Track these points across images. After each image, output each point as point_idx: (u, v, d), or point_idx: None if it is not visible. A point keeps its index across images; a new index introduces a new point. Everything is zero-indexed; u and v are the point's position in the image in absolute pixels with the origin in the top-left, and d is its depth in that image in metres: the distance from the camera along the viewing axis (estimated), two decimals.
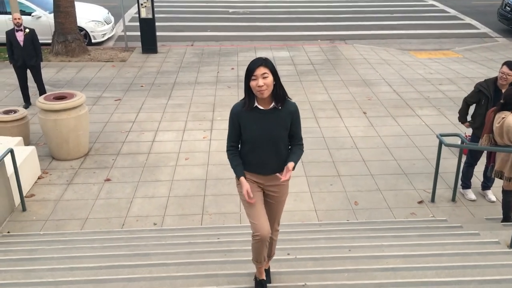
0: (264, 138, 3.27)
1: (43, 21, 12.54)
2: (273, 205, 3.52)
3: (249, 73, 3.15)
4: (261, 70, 3.10)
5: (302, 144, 3.45)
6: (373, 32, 14.54)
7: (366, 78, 10.33)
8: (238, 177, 3.38)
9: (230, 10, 17.11)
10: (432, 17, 16.21)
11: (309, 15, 16.47)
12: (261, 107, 3.26)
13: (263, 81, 3.09)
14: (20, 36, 8.05)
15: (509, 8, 13.97)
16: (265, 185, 3.44)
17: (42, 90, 8.58)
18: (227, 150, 3.42)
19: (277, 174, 3.30)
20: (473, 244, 4.19)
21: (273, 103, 3.25)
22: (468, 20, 15.90)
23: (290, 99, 3.35)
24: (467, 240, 4.32)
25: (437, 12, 17.00)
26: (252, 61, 3.18)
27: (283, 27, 15.02)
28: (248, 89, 3.22)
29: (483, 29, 14.89)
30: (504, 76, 5.33)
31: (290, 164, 3.25)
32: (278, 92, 3.23)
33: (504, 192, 4.99)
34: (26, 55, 8.18)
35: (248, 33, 14.27)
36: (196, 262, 3.94)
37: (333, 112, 8.56)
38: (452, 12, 16.97)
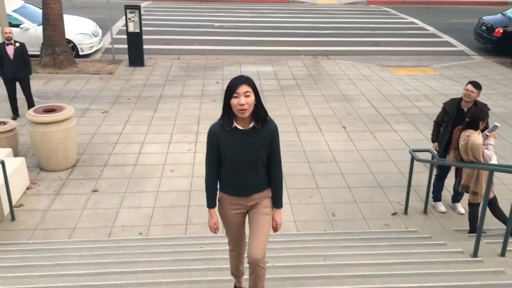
0: (243, 158, 3.18)
1: (31, 33, 12.70)
2: (257, 218, 3.36)
3: (231, 91, 3.03)
4: (243, 88, 3.01)
5: (281, 168, 3.35)
6: (355, 48, 14.99)
7: (347, 93, 10.71)
8: (208, 207, 3.40)
9: (216, 25, 17.46)
10: (412, 35, 16.75)
11: (293, 31, 16.89)
12: (240, 127, 3.15)
13: (245, 100, 3.00)
14: (10, 50, 8.25)
15: (484, 27, 14.55)
16: (247, 206, 3.38)
17: (30, 102, 8.77)
18: (205, 175, 3.35)
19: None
20: (439, 253, 4.51)
21: (252, 123, 3.15)
22: (446, 38, 16.48)
23: (271, 119, 3.26)
24: (434, 250, 4.64)
25: (416, 30, 17.56)
26: (234, 78, 3.08)
27: (268, 42, 15.40)
28: (227, 108, 3.10)
29: (460, 46, 15.46)
30: (468, 93, 5.71)
31: (278, 213, 3.38)
32: (259, 111, 3.13)
33: (470, 205, 5.34)
34: (16, 68, 8.38)
35: (233, 48, 14.61)
36: (181, 269, 4.18)
37: (313, 126, 8.89)
38: (431, 29, 17.56)
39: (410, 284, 3.70)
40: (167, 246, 5.03)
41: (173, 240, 5.36)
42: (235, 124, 3.16)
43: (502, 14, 15.09)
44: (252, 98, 3.05)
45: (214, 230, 3.47)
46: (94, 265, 4.41)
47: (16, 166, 6.41)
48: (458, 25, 18.28)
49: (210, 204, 3.41)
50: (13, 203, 6.10)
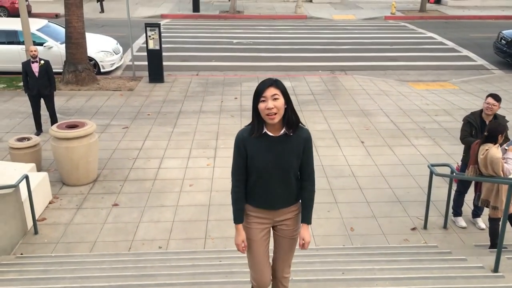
0: (273, 168, 2.95)
1: (54, 51, 13.05)
2: (285, 242, 3.23)
3: (258, 94, 2.85)
4: (271, 91, 2.81)
5: (313, 180, 3.15)
6: (373, 63, 15.01)
7: (365, 108, 10.71)
8: (235, 223, 3.12)
9: (235, 41, 17.68)
10: (431, 49, 16.71)
11: (310, 46, 17.01)
12: (271, 134, 2.94)
13: (273, 103, 2.79)
14: (35, 67, 8.51)
15: (504, 42, 14.45)
16: (274, 221, 3.17)
17: (54, 118, 9.00)
18: (232, 187, 3.11)
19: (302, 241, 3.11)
20: (459, 268, 4.47)
21: (284, 129, 2.94)
22: (465, 52, 16.39)
23: (303, 125, 3.08)
24: (454, 265, 4.60)
25: (435, 44, 17.51)
26: (262, 81, 2.89)
27: (285, 57, 15.53)
28: (256, 113, 2.91)
29: (480, 61, 15.35)
30: (490, 107, 5.70)
31: (304, 229, 3.12)
32: (290, 116, 2.92)
33: (491, 220, 5.28)
34: (40, 85, 8.64)
35: (251, 64, 14.77)
36: (200, 282, 4.22)
37: (332, 141, 8.90)
38: (450, 44, 17.49)
39: None
40: (186, 260, 5.07)
41: (192, 254, 5.40)
42: (265, 130, 2.95)
43: None
44: (281, 101, 2.84)
45: (242, 249, 3.15)
46: (115, 278, 4.48)
47: (40, 181, 6.56)
48: (477, 39, 18.17)
49: (238, 219, 3.12)
50: (36, 217, 6.24)
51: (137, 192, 7.11)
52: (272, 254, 3.40)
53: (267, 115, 2.83)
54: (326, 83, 12.62)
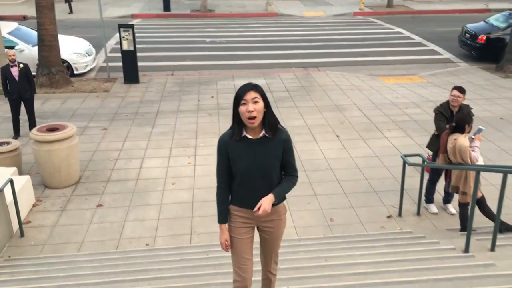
0: (255, 169, 3.08)
1: (26, 54, 12.91)
2: (268, 241, 3.34)
3: (238, 98, 2.96)
4: (251, 95, 2.94)
5: (296, 176, 3.28)
6: (344, 59, 15.38)
7: (339, 103, 11.04)
8: (219, 223, 3.25)
9: (208, 40, 17.80)
10: (399, 44, 17.20)
11: (282, 44, 17.27)
12: (250, 137, 3.07)
13: (254, 106, 2.92)
14: (15, 71, 8.52)
15: (468, 35, 15.02)
16: (258, 221, 3.26)
17: (32, 122, 9.01)
18: (216, 188, 3.26)
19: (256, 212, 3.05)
20: (432, 251, 4.79)
21: (263, 132, 3.07)
22: (432, 46, 16.93)
23: (283, 127, 3.19)
24: (428, 248, 4.92)
25: (403, 39, 18.03)
26: (242, 86, 3.02)
27: (259, 55, 15.75)
28: (236, 117, 3.04)
29: (446, 54, 15.91)
30: (455, 98, 6.06)
31: (267, 196, 3.05)
32: (270, 119, 3.05)
33: (460, 205, 5.64)
34: (21, 89, 8.65)
35: (225, 62, 14.93)
36: (190, 275, 4.42)
37: (308, 136, 9.18)
38: (417, 39, 18.03)
39: (406, 278, 3.96)
40: (175, 255, 5.25)
41: (179, 249, 5.58)
42: (244, 133, 3.07)
43: (485, 21, 15.59)
44: (261, 104, 2.97)
45: (226, 247, 3.30)
46: (107, 275, 4.62)
47: (23, 184, 6.61)
48: (443, 33, 18.78)
49: (222, 219, 3.26)
50: (21, 220, 6.30)
51: (120, 192, 7.23)
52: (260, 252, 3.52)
53: (248, 118, 2.95)
54: (300, 79, 12.91)
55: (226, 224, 3.31)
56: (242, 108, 2.96)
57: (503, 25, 14.64)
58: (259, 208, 3.03)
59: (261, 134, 3.08)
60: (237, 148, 3.09)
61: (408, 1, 27.17)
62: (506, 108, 10.59)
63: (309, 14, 23.91)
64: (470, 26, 15.33)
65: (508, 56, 13.46)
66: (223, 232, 3.28)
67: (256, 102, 2.95)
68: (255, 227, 3.36)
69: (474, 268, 4.18)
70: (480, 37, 14.44)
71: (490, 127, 9.39)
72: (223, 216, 3.28)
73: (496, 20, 15.29)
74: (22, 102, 8.89)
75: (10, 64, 8.51)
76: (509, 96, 11.43)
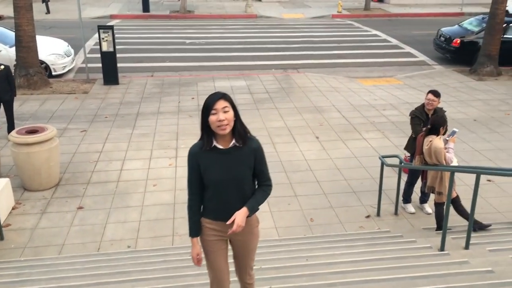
0: (226, 180, 3.03)
1: (3, 55, 12.74)
2: (241, 254, 3.30)
3: (208, 108, 2.92)
4: (221, 104, 2.90)
5: (270, 185, 3.22)
6: (323, 61, 15.58)
7: (318, 105, 11.19)
8: (190, 236, 3.18)
9: (187, 41, 17.81)
10: (376, 47, 17.49)
11: (262, 45, 17.40)
12: (221, 146, 3.03)
13: (224, 115, 2.89)
14: None
15: (443, 38, 15.38)
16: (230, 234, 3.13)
17: (11, 124, 8.90)
18: (188, 201, 3.19)
19: (230, 230, 2.99)
20: (409, 249, 4.95)
21: (233, 141, 3.03)
22: (408, 49, 17.28)
23: (252, 136, 3.15)
24: (405, 246, 5.08)
25: (380, 42, 18.34)
26: (210, 95, 2.97)
27: (239, 57, 15.84)
28: (206, 127, 2.99)
29: (422, 57, 16.25)
30: (430, 102, 6.26)
31: (241, 211, 2.98)
32: (239, 128, 3.01)
33: (436, 204, 5.82)
34: (2, 90, 8.54)
35: (205, 63, 14.98)
36: (173, 275, 4.47)
37: (288, 137, 9.30)
38: (394, 41, 18.37)
39: (385, 276, 4.09)
40: (157, 256, 5.29)
41: (161, 250, 5.62)
42: (214, 143, 3.03)
43: (459, 25, 15.98)
44: (231, 113, 2.94)
45: (198, 262, 3.25)
46: (90, 277, 4.64)
47: (2, 187, 6.55)
48: (418, 36, 19.16)
49: (193, 232, 3.20)
50: (1, 223, 6.24)
51: (101, 195, 7.22)
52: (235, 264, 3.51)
53: (218, 126, 2.91)
54: (280, 81, 13.03)
55: (198, 237, 3.25)
56: (212, 118, 2.91)
57: (476, 29, 15.03)
58: (232, 222, 2.98)
59: (231, 144, 3.05)
60: (208, 159, 3.04)
61: (385, 4, 27.62)
62: (479, 110, 10.90)
63: (288, 16, 24.10)
64: (445, 29, 15.70)
65: (481, 59, 13.84)
66: (195, 246, 3.22)
67: (226, 111, 2.91)
68: (228, 239, 3.33)
69: (449, 266, 4.34)
70: (454, 40, 14.80)
71: (464, 128, 9.66)
72: (195, 229, 3.21)
73: (469, 24, 15.69)
74: (1, 104, 8.77)
75: None
76: (482, 98, 11.76)
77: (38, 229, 6.35)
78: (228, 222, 3.01)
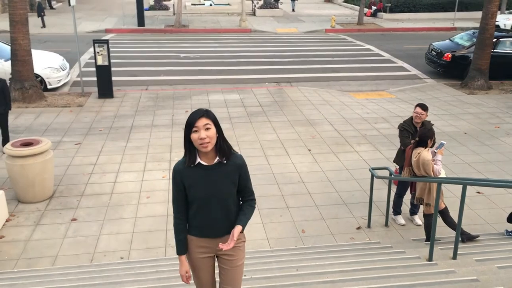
0: (211, 196, 3.04)
1: None
2: (228, 272, 3.23)
3: (190, 126, 2.93)
4: (202, 121, 2.90)
5: (254, 199, 3.23)
6: (316, 74, 15.77)
7: (310, 118, 11.33)
8: (178, 254, 3.17)
9: (182, 55, 17.98)
10: (369, 61, 17.73)
11: (256, 59, 17.59)
12: (205, 163, 3.03)
13: (206, 133, 2.89)
14: None
15: (434, 53, 15.62)
16: (216, 250, 3.18)
17: (6, 137, 8.97)
18: (174, 219, 3.20)
19: (220, 244, 3.01)
20: (398, 259, 5.03)
21: (217, 158, 3.04)
22: (400, 63, 17.52)
23: (236, 152, 3.17)
24: (394, 257, 5.16)
25: (373, 56, 18.59)
26: (192, 112, 2.98)
27: (232, 70, 16.01)
28: (189, 144, 2.99)
29: (413, 71, 16.49)
30: (418, 115, 6.40)
31: (237, 229, 3.02)
32: (222, 145, 3.02)
33: (425, 215, 5.92)
34: None
35: (199, 77, 15.13)
36: (166, 286, 4.52)
37: (281, 150, 9.41)
38: (386, 55, 18.62)
39: (373, 285, 4.17)
40: (150, 267, 5.34)
41: (154, 262, 5.67)
42: (198, 160, 3.04)
43: (450, 40, 16.25)
44: (213, 130, 2.94)
45: (186, 279, 3.22)
46: (83, 287, 4.69)
47: None
48: (410, 50, 19.44)
49: (180, 250, 3.18)
50: None
51: (94, 207, 7.27)
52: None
53: (200, 144, 2.92)
54: (273, 94, 13.18)
55: (185, 255, 3.25)
56: (194, 136, 2.93)
57: (467, 44, 15.29)
58: (230, 243, 3.00)
59: (215, 160, 3.06)
60: (192, 176, 3.05)
61: (377, 19, 28.01)
62: (470, 123, 11.06)
63: (282, 30, 24.38)
64: (436, 44, 15.95)
65: (472, 73, 14.07)
66: (183, 263, 3.21)
67: (208, 128, 2.91)
68: (215, 257, 3.32)
69: (436, 275, 4.42)
70: (446, 54, 15.05)
71: (454, 141, 9.80)
72: (182, 247, 3.19)
73: (460, 38, 15.96)
74: None
75: None
76: (473, 112, 11.94)
77: (32, 241, 6.38)
78: (224, 248, 3.00)
